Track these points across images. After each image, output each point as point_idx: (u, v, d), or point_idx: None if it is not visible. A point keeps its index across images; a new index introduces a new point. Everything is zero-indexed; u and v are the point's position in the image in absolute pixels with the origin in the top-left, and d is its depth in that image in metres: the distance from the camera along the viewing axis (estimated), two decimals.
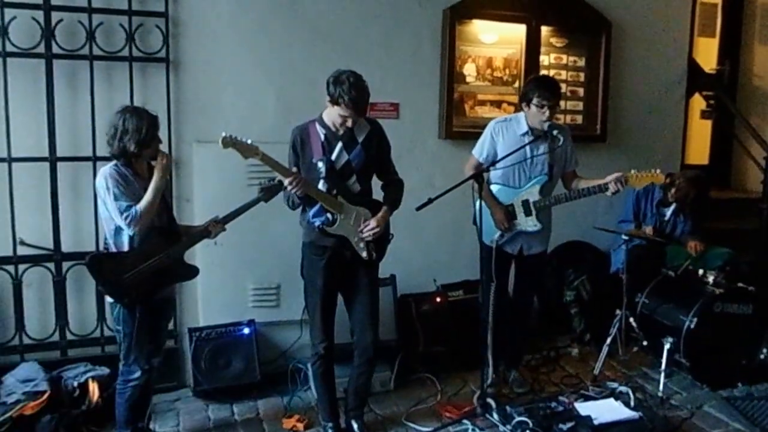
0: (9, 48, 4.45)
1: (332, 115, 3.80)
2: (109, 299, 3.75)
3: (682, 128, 6.57)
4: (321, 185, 3.85)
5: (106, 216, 3.71)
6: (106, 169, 3.66)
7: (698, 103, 7.15)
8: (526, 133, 4.47)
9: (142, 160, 3.75)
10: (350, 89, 3.64)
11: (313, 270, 4.00)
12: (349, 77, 3.67)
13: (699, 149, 7.48)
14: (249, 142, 3.69)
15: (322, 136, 3.86)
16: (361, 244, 3.93)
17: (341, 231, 3.89)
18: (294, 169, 3.85)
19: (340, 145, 3.86)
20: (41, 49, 4.51)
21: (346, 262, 3.98)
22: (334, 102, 3.70)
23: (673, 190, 5.49)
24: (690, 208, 5.60)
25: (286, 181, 3.73)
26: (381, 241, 4.05)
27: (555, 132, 4.41)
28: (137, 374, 3.78)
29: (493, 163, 4.41)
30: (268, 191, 3.98)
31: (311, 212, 3.91)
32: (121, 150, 3.60)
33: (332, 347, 4.08)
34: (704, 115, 7.15)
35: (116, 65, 4.69)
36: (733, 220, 6.51)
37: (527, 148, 4.44)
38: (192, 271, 4.09)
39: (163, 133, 4.68)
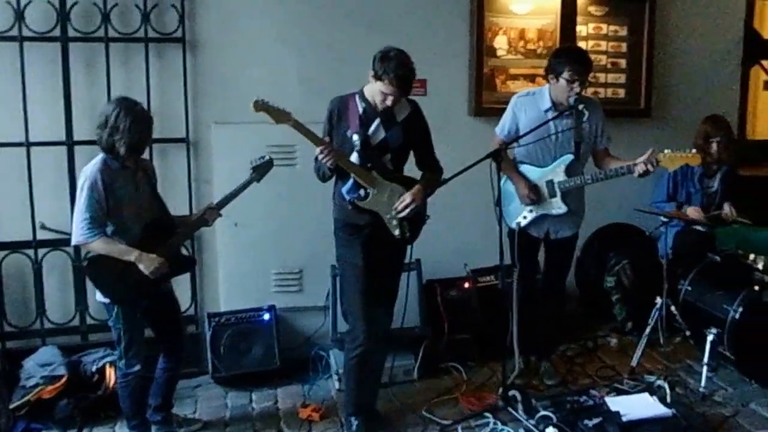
0: (25, 32, 4.44)
1: (374, 90, 3.67)
2: (103, 299, 3.64)
3: (738, 101, 6.11)
4: (353, 158, 3.71)
5: None
6: (93, 168, 3.52)
7: (763, 73, 6.64)
8: (550, 108, 4.21)
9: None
10: (397, 67, 3.54)
11: (349, 250, 3.83)
12: (398, 55, 3.59)
13: (764, 123, 6.98)
14: (282, 108, 3.61)
15: (361, 110, 3.74)
16: (394, 222, 3.77)
17: (374, 206, 3.74)
18: (327, 139, 3.73)
19: (378, 121, 3.73)
20: (57, 32, 4.49)
21: (380, 243, 3.80)
22: (378, 78, 3.58)
23: (705, 152, 5.01)
24: (720, 159, 5.14)
25: (317, 150, 3.60)
26: (416, 221, 3.89)
27: (581, 106, 4.11)
28: (137, 367, 3.72)
29: (514, 140, 4.16)
30: (260, 170, 3.87)
31: (345, 187, 3.75)
32: (109, 147, 3.49)
33: (377, 338, 3.84)
34: None
35: (132, 47, 4.65)
36: None
37: (551, 124, 4.18)
38: (189, 263, 4.01)
39: (180, 115, 4.73)
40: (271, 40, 4.88)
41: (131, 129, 3.46)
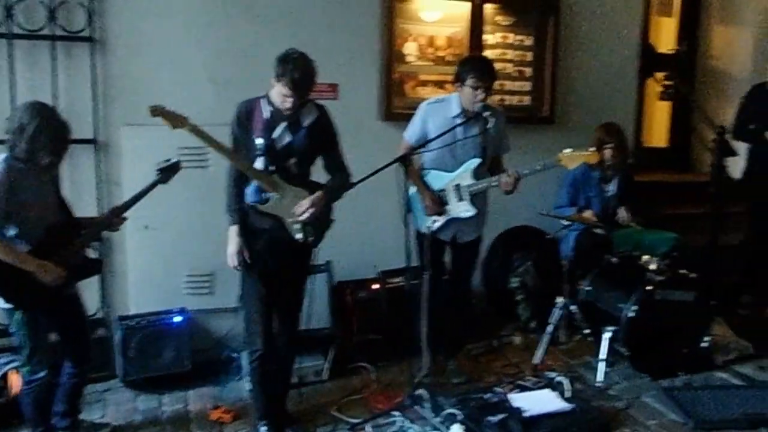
0: None
1: (276, 93, 3.67)
2: (4, 304, 3.53)
3: (635, 110, 6.42)
4: (259, 163, 3.71)
5: None
6: None
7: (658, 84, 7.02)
8: (458, 115, 4.34)
9: None
10: (294, 70, 3.52)
11: (250, 256, 3.83)
12: (297, 58, 3.57)
13: (659, 132, 7.36)
14: (180, 113, 3.59)
15: (267, 114, 3.73)
16: (296, 226, 3.78)
17: (276, 210, 3.75)
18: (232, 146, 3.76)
19: (283, 125, 3.73)
20: None
21: (282, 247, 3.83)
22: (277, 79, 3.58)
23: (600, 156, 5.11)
24: (614, 164, 5.34)
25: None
26: (320, 226, 3.91)
27: (486, 113, 4.26)
28: (42, 374, 3.64)
29: (422, 145, 4.29)
30: (166, 172, 3.82)
31: (248, 190, 3.78)
32: (29, 156, 3.39)
33: (274, 343, 3.89)
34: (662, 96, 7.04)
35: (38, 45, 4.52)
36: (689, 204, 6.37)
37: (458, 129, 4.31)
38: (96, 266, 3.96)
39: (88, 115, 4.65)
40: (183, 40, 4.84)
41: (54, 139, 3.40)
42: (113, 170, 4.78)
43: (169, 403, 4.49)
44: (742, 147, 5.78)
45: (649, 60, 6.54)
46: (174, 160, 3.88)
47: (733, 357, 4.98)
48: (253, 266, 3.83)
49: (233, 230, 3.80)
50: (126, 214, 3.83)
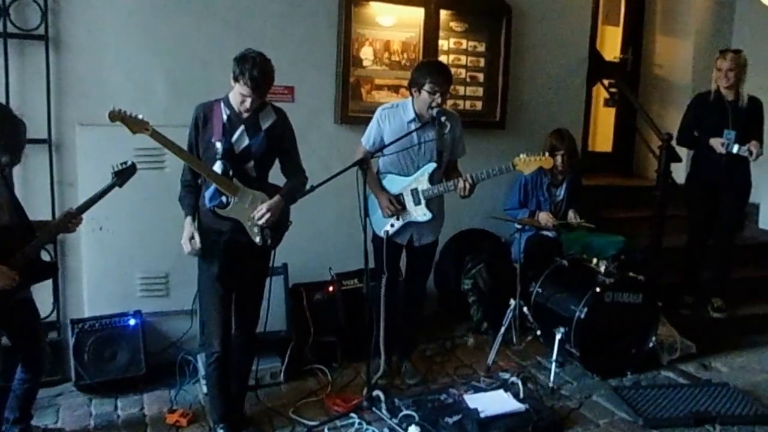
0: None
1: (235, 94, 3.68)
2: None
3: (583, 115, 6.59)
4: (217, 166, 3.72)
5: None
6: None
7: (604, 91, 7.21)
8: (413, 119, 4.41)
9: None
10: (252, 69, 3.54)
11: (207, 257, 3.83)
12: (255, 57, 3.59)
13: (604, 137, 7.56)
14: (140, 117, 3.57)
15: (225, 117, 3.73)
16: (255, 229, 3.80)
17: (234, 214, 3.76)
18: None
19: (241, 128, 3.74)
20: None
21: (241, 249, 3.83)
22: (235, 79, 3.60)
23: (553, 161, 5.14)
24: (565, 169, 5.52)
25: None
26: (278, 228, 3.94)
27: (443, 118, 4.34)
28: None
29: (379, 149, 4.35)
30: (122, 175, 3.76)
31: (207, 193, 3.77)
32: None
33: (230, 344, 3.89)
34: (607, 103, 7.24)
35: None
36: (633, 208, 6.59)
37: (414, 134, 4.37)
38: (51, 269, 3.90)
39: (41, 115, 4.56)
40: (139, 40, 4.80)
41: (10, 139, 3.35)
42: (67, 171, 4.70)
43: (124, 408, 4.44)
44: (685, 153, 6.00)
45: (596, 67, 6.72)
46: (130, 162, 3.82)
47: (677, 356, 5.17)
48: (207, 258, 3.83)
49: (187, 220, 3.82)
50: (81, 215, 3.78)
